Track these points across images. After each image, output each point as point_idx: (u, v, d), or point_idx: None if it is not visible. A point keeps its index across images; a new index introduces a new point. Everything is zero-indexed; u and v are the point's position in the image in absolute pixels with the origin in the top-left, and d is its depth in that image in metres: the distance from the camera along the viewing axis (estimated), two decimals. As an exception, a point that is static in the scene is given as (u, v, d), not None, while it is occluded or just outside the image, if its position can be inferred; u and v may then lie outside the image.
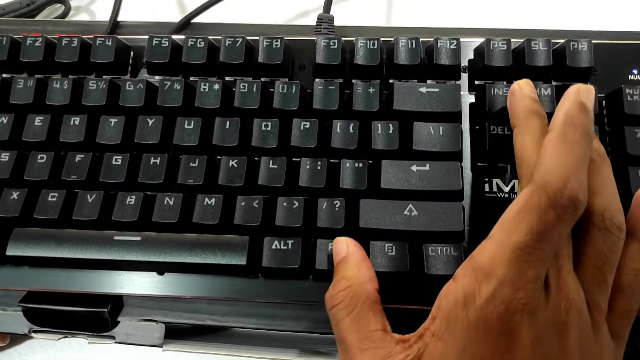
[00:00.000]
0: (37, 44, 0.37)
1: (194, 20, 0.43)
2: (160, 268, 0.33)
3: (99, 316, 0.34)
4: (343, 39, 0.36)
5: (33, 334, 0.36)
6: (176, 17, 0.48)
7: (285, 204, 0.33)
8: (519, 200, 0.24)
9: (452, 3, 0.50)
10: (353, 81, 0.35)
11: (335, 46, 0.35)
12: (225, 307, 0.35)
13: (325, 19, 0.40)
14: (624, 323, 0.25)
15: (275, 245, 0.32)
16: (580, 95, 0.25)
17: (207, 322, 0.35)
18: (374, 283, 0.29)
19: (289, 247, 0.32)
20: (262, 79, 0.36)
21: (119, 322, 0.35)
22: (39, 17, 0.51)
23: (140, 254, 0.32)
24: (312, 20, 0.49)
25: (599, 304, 0.24)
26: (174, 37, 0.37)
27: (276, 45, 0.35)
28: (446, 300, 0.24)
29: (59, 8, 0.52)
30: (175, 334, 0.36)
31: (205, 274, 0.33)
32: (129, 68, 0.38)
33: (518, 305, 0.22)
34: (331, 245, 0.32)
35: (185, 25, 0.42)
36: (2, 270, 0.34)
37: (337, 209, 0.32)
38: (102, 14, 0.52)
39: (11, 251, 0.33)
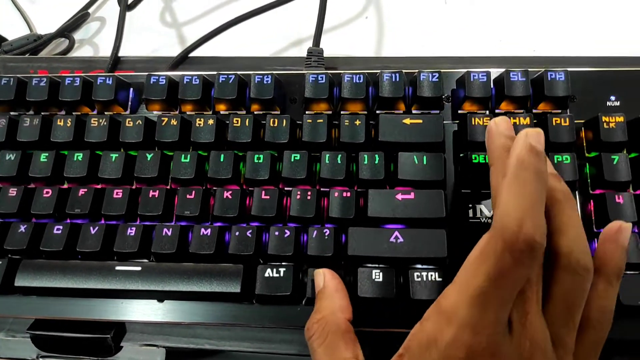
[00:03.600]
0: (42, 83, 0.39)
1: (192, 55, 0.45)
2: (160, 296, 0.35)
3: (102, 342, 0.36)
4: (331, 72, 0.38)
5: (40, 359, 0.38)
6: (175, 49, 0.51)
7: (277, 233, 0.34)
8: (479, 245, 0.25)
9: (436, 32, 0.52)
10: (341, 113, 0.37)
11: (323, 81, 0.37)
12: (222, 332, 0.37)
13: (315, 52, 0.42)
14: (592, 354, 0.26)
15: (268, 273, 0.34)
16: (529, 138, 0.25)
17: (205, 346, 0.37)
18: (346, 312, 0.30)
19: (281, 274, 0.34)
20: (255, 113, 0.38)
21: (121, 347, 0.37)
22: (44, 52, 0.54)
23: (141, 283, 0.34)
24: (303, 52, 0.51)
25: (565, 342, 0.24)
26: (170, 74, 0.39)
27: (267, 81, 0.37)
28: (413, 342, 0.25)
29: (63, 42, 0.55)
30: (175, 357, 0.37)
31: (202, 300, 0.35)
32: (129, 104, 0.40)
33: (478, 349, 0.23)
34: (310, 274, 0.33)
35: (182, 59, 0.45)
36: (11, 299, 0.36)
37: (326, 237, 0.34)
38: (105, 46, 0.55)
39: (20, 282, 0.35)
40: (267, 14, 0.45)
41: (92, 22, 0.56)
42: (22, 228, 0.36)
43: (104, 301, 0.35)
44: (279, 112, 0.38)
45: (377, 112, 0.37)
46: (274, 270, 0.34)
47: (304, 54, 0.43)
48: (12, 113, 0.40)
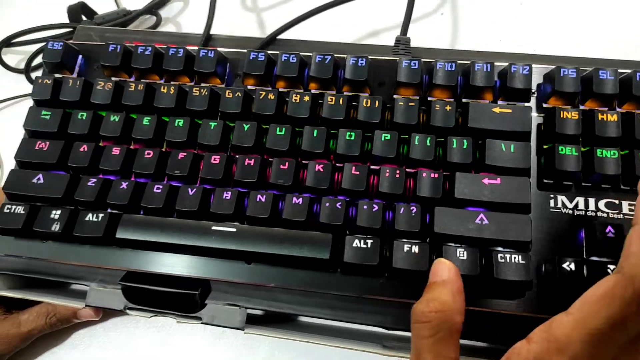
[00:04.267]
0: (147, 52, 0.41)
1: (279, 37, 0.48)
2: (250, 257, 0.37)
3: (190, 298, 0.38)
4: (423, 59, 0.39)
5: (128, 311, 0.40)
6: (254, 32, 0.54)
7: (365, 207, 0.36)
8: (603, 286, 0.25)
9: (511, 31, 0.53)
10: (431, 99, 0.38)
11: (416, 67, 0.39)
12: (302, 298, 0.38)
13: (402, 41, 0.43)
14: None
15: (356, 244, 0.35)
16: None
17: (285, 310, 0.38)
18: (462, 316, 0.30)
19: (369, 245, 0.35)
20: (346, 93, 0.40)
21: (206, 304, 0.39)
22: (131, 27, 0.56)
23: (234, 244, 0.36)
24: (380, 41, 0.53)
25: None
26: (269, 52, 0.41)
27: (361, 63, 0.39)
28: (517, 358, 0.26)
29: (149, 19, 0.57)
30: (255, 318, 0.39)
31: (289, 265, 0.37)
32: (226, 77, 0.42)
33: None
34: (407, 247, 0.35)
35: (272, 40, 0.47)
36: (107, 251, 0.39)
37: (413, 214, 0.36)
38: (188, 25, 0.57)
39: (120, 234, 0.37)
40: (347, 4, 0.47)
41: (176, 2, 0.59)
42: (124, 185, 0.39)
43: (194, 259, 0.38)
44: (368, 94, 0.40)
45: (463, 100, 0.39)
46: (362, 241, 0.35)
47: (381, 43, 0.45)
48: (113, 78, 0.42)
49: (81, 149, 0.40)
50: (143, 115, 0.40)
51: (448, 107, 0.37)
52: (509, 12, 0.55)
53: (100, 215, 0.38)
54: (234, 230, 0.37)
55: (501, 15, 0.55)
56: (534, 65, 0.39)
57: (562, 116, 0.37)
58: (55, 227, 0.38)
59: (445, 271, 0.31)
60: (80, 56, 0.44)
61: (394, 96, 0.40)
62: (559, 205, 0.37)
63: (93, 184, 0.39)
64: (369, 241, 0.35)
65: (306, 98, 0.39)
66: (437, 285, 0.30)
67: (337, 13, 0.50)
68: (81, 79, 0.41)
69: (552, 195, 0.37)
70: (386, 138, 0.37)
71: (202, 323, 0.39)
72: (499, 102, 0.39)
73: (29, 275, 0.40)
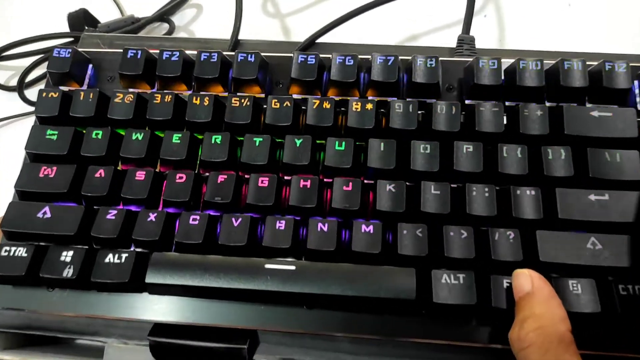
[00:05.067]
0: (173, 58, 0.35)
1: (319, 41, 0.42)
2: (312, 301, 0.30)
3: (236, 354, 0.31)
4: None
5: (156, 371, 0.33)
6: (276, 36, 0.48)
7: (452, 234, 0.30)
8: None
9: (559, 32, 0.48)
10: (518, 103, 0.32)
11: (495, 66, 0.33)
12: (373, 348, 0.32)
13: (466, 40, 0.38)
14: None
15: (446, 279, 0.29)
16: None
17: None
18: (567, 323, 0.26)
19: (461, 281, 0.29)
20: (408, 100, 0.34)
21: None
22: (141, 34, 0.50)
23: (293, 285, 0.30)
24: (420, 43, 0.48)
25: None
26: (321, 55, 0.35)
27: (431, 64, 0.33)
28: None
29: (159, 27, 0.51)
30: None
31: (361, 310, 0.30)
32: (266, 85, 0.36)
33: None
34: (507, 282, 0.29)
35: (310, 44, 0.41)
36: (133, 299, 0.31)
37: (512, 240, 0.30)
38: (204, 33, 0.51)
39: (151, 278, 0.30)
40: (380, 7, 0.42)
41: (188, 9, 0.53)
42: (152, 216, 0.32)
43: (242, 305, 0.31)
44: (435, 99, 0.34)
45: (548, 104, 0.33)
46: (452, 276, 0.29)
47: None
48: (132, 90, 0.36)
49: (97, 175, 0.33)
50: (172, 131, 0.33)
51: (539, 112, 0.32)
52: (556, 14, 0.50)
53: (124, 255, 0.31)
54: (293, 268, 0.30)
55: (548, 16, 0.50)
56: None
57: (671, 119, 0.31)
58: (68, 273, 0.31)
59: (527, 281, 0.27)
60: (90, 65, 0.38)
61: (467, 101, 0.34)
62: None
63: (114, 217, 0.32)
64: (461, 275, 0.29)
65: (369, 106, 0.33)
66: (524, 300, 0.27)
67: (367, 16, 0.44)
68: (95, 91, 0.35)
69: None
70: (469, 150, 0.31)
71: (251, 383, 0.32)
72: (588, 105, 0.33)
73: (32, 332, 0.33)
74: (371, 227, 0.30)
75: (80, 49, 0.38)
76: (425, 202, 0.31)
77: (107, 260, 0.31)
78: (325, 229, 0.31)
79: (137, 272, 0.31)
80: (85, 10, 0.48)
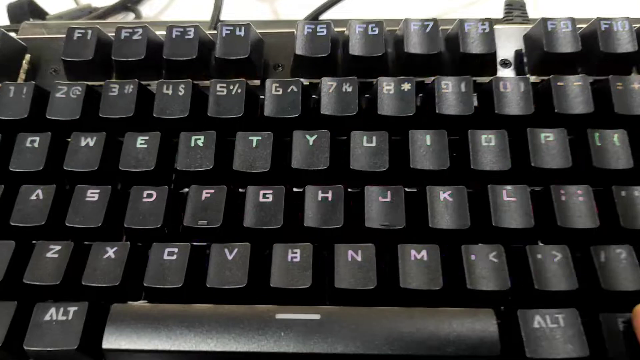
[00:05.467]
0: (135, 36, 0.26)
1: (322, 17, 0.33)
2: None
3: None
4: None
5: None
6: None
7: (540, 256, 0.21)
8: None
9: None
10: (606, 77, 0.24)
11: (570, 29, 0.25)
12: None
13: (516, 5, 0.30)
14: None
15: (539, 323, 0.20)
16: None
17: None
18: None
19: (561, 323, 0.20)
20: (463, 77, 0.25)
21: None
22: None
23: (320, 342, 0.20)
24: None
25: None
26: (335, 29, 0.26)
27: (484, 29, 0.25)
28: None
29: (124, 16, 0.42)
30: None
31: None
32: (262, 69, 0.27)
33: None
34: (622, 323, 0.20)
35: (314, 19, 0.32)
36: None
37: (623, 261, 0.21)
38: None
39: (110, 342, 0.21)
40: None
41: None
42: (111, 251, 0.22)
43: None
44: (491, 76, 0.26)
45: None
46: (548, 318, 0.20)
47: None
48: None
49: (33, 196, 0.24)
50: (136, 133, 0.24)
51: (637, 85, 0.23)
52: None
53: (72, 309, 0.22)
54: (317, 317, 0.21)
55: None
56: None
57: None
58: (-10, 338, 0.21)
59: None
60: (29, 56, 0.28)
61: (532, 78, 0.25)
62: None
63: (56, 254, 0.22)
64: (560, 316, 0.20)
65: (406, 86, 0.24)
66: None
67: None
68: (30, 84, 0.25)
69: None
70: (548, 140, 0.23)
71: None
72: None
73: None
74: (424, 253, 0.21)
75: (19, 36, 0.29)
76: (499, 214, 0.22)
77: (47, 317, 0.22)
78: (358, 257, 0.22)
79: (90, 333, 0.21)
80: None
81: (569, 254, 0.21)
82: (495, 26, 0.27)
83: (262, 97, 0.25)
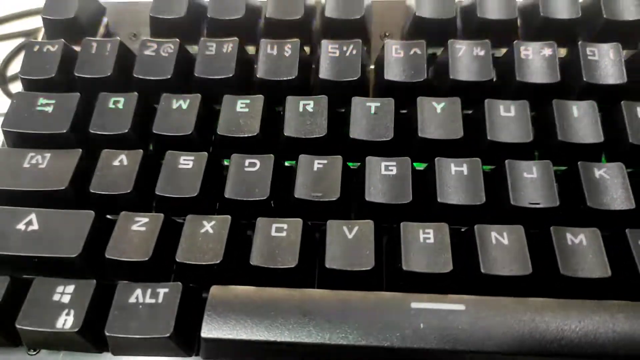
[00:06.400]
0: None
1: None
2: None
3: None
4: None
5: None
6: None
7: None
8: None
9: None
10: None
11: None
12: None
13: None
14: None
15: None
16: None
17: None
18: None
19: None
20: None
21: None
22: None
23: (468, 338, 0.17)
24: None
25: None
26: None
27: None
28: None
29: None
30: None
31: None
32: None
33: None
34: None
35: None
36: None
37: None
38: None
39: (210, 330, 0.17)
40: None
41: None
42: (208, 226, 0.19)
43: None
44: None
45: None
46: None
47: None
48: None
49: (117, 162, 0.21)
50: (236, 97, 0.21)
51: None
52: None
53: (162, 290, 0.18)
54: (462, 307, 0.17)
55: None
56: None
57: None
58: (66, 321, 0.18)
59: None
60: (106, 19, 0.26)
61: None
62: None
63: (143, 228, 0.19)
64: None
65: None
66: None
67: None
68: (115, 40, 0.23)
69: None
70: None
71: None
72: None
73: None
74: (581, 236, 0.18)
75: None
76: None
77: (132, 299, 0.18)
78: (504, 240, 0.18)
79: (184, 317, 0.18)
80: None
81: None
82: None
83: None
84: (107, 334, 0.18)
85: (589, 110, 0.21)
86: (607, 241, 0.18)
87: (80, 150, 0.21)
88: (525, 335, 0.17)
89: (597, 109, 0.21)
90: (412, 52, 0.22)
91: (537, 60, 0.22)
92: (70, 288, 0.19)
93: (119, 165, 0.21)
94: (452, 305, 0.17)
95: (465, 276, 0.18)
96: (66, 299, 0.19)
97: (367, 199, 0.19)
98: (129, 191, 0.20)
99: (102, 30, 0.26)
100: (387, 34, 0.25)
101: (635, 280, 0.18)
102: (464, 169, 0.20)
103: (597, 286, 0.18)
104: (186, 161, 0.21)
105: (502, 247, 0.18)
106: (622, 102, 0.21)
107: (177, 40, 0.23)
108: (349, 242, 0.19)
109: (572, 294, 0.17)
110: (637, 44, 0.22)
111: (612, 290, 0.18)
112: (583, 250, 0.18)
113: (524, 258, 0.18)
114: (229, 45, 0.22)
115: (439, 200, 0.19)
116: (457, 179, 0.19)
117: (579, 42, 0.22)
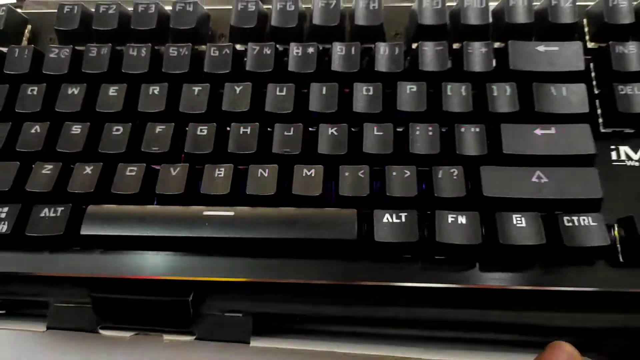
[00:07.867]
0: (110, 11, 0.34)
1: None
2: (253, 247, 0.29)
3: (180, 307, 0.30)
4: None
5: (101, 331, 0.32)
6: None
7: (394, 173, 0.29)
8: None
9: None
10: (463, 42, 0.32)
11: (439, 6, 0.32)
12: (321, 297, 0.31)
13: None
14: None
15: (387, 219, 0.28)
16: None
17: (301, 313, 0.31)
18: None
19: (403, 219, 0.28)
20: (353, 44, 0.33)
21: (200, 314, 0.31)
22: None
23: (234, 230, 0.29)
24: None
25: None
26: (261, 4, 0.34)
27: (374, 6, 0.33)
28: None
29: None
30: (263, 327, 0.31)
31: (304, 254, 0.29)
32: (210, 34, 0.35)
33: None
34: (452, 218, 0.28)
35: None
36: (70, 256, 0.30)
37: (455, 177, 0.29)
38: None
39: (86, 229, 0.29)
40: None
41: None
42: (88, 169, 0.31)
43: (183, 256, 0.30)
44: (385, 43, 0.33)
45: (496, 44, 0.33)
46: (394, 215, 0.28)
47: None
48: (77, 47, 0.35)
49: (33, 130, 0.32)
50: (109, 84, 0.33)
51: (484, 49, 0.31)
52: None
53: (60, 208, 0.30)
54: (232, 214, 0.29)
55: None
56: None
57: (618, 51, 0.31)
58: (2, 228, 0.30)
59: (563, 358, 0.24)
60: (30, 27, 0.37)
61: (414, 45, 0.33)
62: (623, 157, 0.30)
63: (49, 171, 0.31)
64: (403, 214, 0.28)
65: (310, 50, 0.32)
66: None
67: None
68: (30, 47, 0.34)
69: (613, 147, 0.31)
70: (412, 90, 0.31)
71: (196, 339, 0.31)
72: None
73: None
74: (312, 171, 0.30)
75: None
76: (367, 143, 0.30)
77: (42, 214, 0.30)
78: (266, 174, 0.30)
79: (72, 225, 0.30)
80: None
81: (415, 172, 0.29)
82: (391, 4, 0.35)
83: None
84: (27, 234, 0.30)
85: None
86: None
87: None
88: (271, 226, 0.29)
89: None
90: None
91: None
92: (5, 209, 0.31)
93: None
94: (227, 212, 0.29)
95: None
96: (3, 215, 0.31)
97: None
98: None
99: (27, 35, 0.37)
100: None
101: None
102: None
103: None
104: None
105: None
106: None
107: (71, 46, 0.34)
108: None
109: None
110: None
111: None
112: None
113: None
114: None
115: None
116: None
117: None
